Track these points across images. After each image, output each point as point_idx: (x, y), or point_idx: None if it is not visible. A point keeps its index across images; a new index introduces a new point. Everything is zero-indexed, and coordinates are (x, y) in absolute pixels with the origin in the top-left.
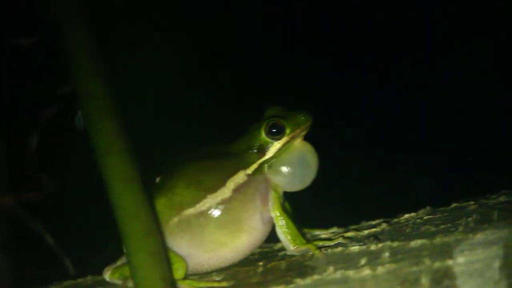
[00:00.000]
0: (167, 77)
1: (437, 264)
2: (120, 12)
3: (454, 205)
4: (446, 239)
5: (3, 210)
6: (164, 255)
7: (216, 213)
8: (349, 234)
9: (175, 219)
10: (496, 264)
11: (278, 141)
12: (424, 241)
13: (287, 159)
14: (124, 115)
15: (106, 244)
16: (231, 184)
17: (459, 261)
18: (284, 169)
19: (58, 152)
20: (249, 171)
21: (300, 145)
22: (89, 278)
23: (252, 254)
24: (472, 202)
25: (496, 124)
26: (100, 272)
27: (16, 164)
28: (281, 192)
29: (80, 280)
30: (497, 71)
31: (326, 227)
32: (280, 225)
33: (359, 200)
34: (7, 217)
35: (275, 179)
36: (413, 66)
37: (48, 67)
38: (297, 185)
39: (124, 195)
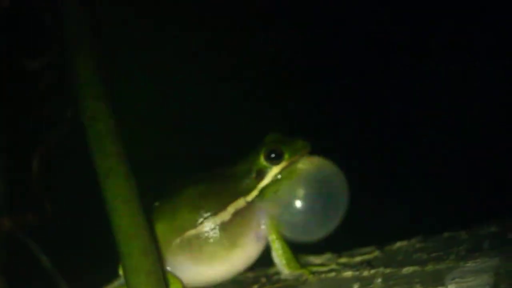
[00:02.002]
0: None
1: None
2: (124, 35)
3: (446, 234)
4: (437, 266)
5: (2, 232)
6: (162, 275)
7: (215, 233)
8: (342, 260)
9: (177, 240)
10: None
11: (277, 166)
12: (416, 268)
13: (292, 185)
14: (126, 138)
15: (103, 266)
16: (232, 209)
17: None
18: (289, 198)
19: (59, 175)
20: (249, 197)
21: (307, 165)
22: None
23: (247, 277)
24: (464, 232)
25: (491, 118)
26: None
27: (15, 186)
28: (279, 224)
29: None
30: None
31: (320, 252)
32: (275, 248)
33: (353, 226)
34: (6, 239)
35: (277, 212)
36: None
37: (53, 90)
38: (310, 227)
39: (124, 216)
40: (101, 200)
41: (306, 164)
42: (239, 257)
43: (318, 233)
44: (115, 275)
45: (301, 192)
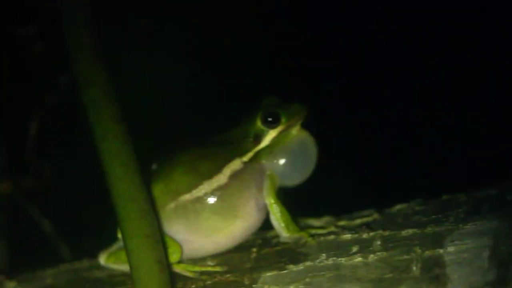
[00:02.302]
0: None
1: (427, 253)
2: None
3: (445, 197)
4: (437, 229)
5: (1, 196)
6: (160, 238)
7: (211, 199)
8: (342, 223)
9: (172, 205)
10: (485, 254)
11: (274, 130)
12: (415, 230)
13: (284, 149)
14: (122, 102)
15: (103, 229)
16: (227, 171)
17: (449, 250)
18: (281, 159)
19: (56, 139)
20: (245, 158)
21: (298, 135)
22: (85, 261)
23: (246, 241)
24: (463, 194)
25: (491, 117)
26: (96, 256)
27: (15, 151)
28: (277, 181)
29: (76, 264)
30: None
31: (319, 216)
32: (274, 212)
33: (352, 190)
34: (5, 204)
35: (272, 169)
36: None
37: (50, 54)
38: (295, 177)
39: (121, 179)
40: (99, 164)
41: (298, 131)
42: (239, 227)
43: (299, 178)
44: (114, 239)
45: (291, 152)
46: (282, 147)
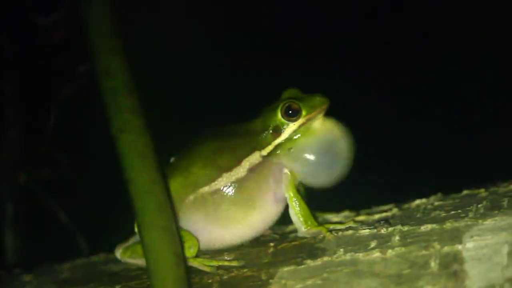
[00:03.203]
0: (186, 56)
1: (446, 249)
2: None
3: (465, 192)
4: (456, 224)
5: (19, 187)
6: (177, 232)
7: (230, 191)
8: (360, 218)
9: (191, 197)
10: (505, 249)
11: (294, 123)
12: (434, 226)
13: (306, 144)
14: (141, 93)
15: (121, 222)
16: (246, 164)
17: (468, 246)
18: (302, 154)
19: (75, 130)
20: (265, 152)
21: (321, 127)
22: (101, 255)
23: (264, 235)
24: (483, 190)
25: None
26: (113, 250)
27: (33, 142)
28: (298, 177)
29: (93, 257)
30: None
31: (338, 210)
32: (293, 206)
33: (372, 185)
34: (22, 194)
35: (291, 163)
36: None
37: (69, 44)
38: (320, 176)
39: (138, 171)
40: (117, 156)
41: (321, 123)
42: (257, 219)
43: (325, 180)
44: (131, 233)
45: (314, 149)
46: (303, 142)
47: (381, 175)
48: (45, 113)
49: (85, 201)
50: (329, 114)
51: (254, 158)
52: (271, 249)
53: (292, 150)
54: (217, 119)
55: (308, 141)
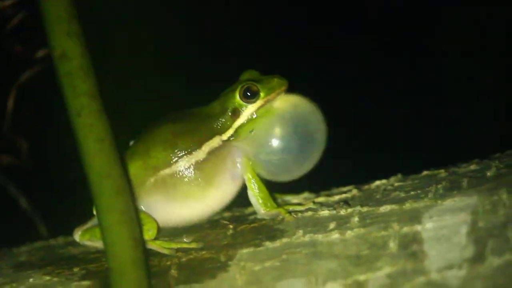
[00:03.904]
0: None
1: (405, 229)
2: None
3: (425, 173)
4: (415, 205)
5: None
6: (135, 215)
7: (190, 172)
8: (320, 199)
9: (151, 179)
10: (464, 230)
11: (252, 105)
12: (393, 206)
13: (266, 124)
14: (98, 76)
15: (81, 206)
16: (207, 148)
17: (428, 226)
18: (264, 136)
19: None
20: (225, 136)
21: (283, 106)
22: (60, 239)
23: (223, 217)
24: (443, 170)
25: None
26: (72, 233)
27: None
28: (257, 164)
29: (51, 241)
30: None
31: (297, 192)
32: (251, 187)
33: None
34: None
35: (252, 149)
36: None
37: (25, 29)
38: (280, 170)
39: (96, 155)
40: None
41: (283, 102)
42: (214, 196)
43: (294, 172)
44: (90, 215)
45: (277, 131)
46: (264, 127)
47: (343, 157)
48: (4, 99)
49: (46, 185)
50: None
51: (215, 142)
52: (230, 231)
53: (252, 132)
54: (178, 103)
55: (268, 122)
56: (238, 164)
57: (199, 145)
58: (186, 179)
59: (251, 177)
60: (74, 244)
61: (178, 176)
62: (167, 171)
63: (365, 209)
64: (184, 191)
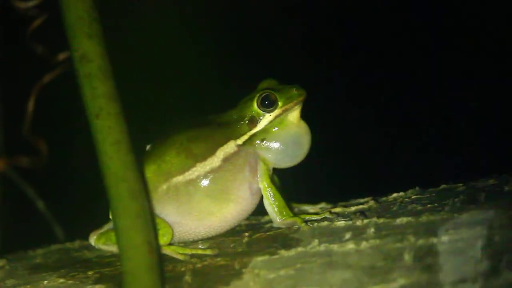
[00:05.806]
0: (167, 45)
1: (421, 242)
2: None
3: (442, 186)
4: (431, 217)
5: None
6: (150, 219)
7: (204, 182)
8: (337, 209)
9: (164, 186)
10: (479, 244)
11: (270, 114)
12: (409, 219)
13: (279, 135)
14: (117, 79)
15: (98, 210)
16: (221, 153)
17: (443, 239)
18: (275, 145)
19: (55, 118)
20: (240, 141)
21: (295, 123)
22: (77, 242)
23: (239, 225)
24: (461, 184)
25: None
26: (88, 237)
27: (11, 129)
28: (270, 166)
29: (68, 244)
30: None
31: (314, 202)
32: (267, 196)
33: (350, 178)
34: (0, 181)
35: (265, 153)
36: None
37: (47, 31)
38: (286, 163)
39: (112, 158)
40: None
41: (295, 117)
42: (232, 212)
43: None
44: (106, 219)
45: (286, 141)
46: (276, 133)
47: (360, 168)
48: (25, 99)
49: (64, 188)
50: (306, 105)
51: (229, 147)
52: (246, 239)
53: (265, 140)
54: (196, 109)
55: (282, 132)
56: (255, 173)
57: (213, 150)
58: (200, 189)
59: (267, 185)
60: (90, 248)
61: (192, 184)
62: (179, 178)
63: (381, 220)
64: (199, 203)
